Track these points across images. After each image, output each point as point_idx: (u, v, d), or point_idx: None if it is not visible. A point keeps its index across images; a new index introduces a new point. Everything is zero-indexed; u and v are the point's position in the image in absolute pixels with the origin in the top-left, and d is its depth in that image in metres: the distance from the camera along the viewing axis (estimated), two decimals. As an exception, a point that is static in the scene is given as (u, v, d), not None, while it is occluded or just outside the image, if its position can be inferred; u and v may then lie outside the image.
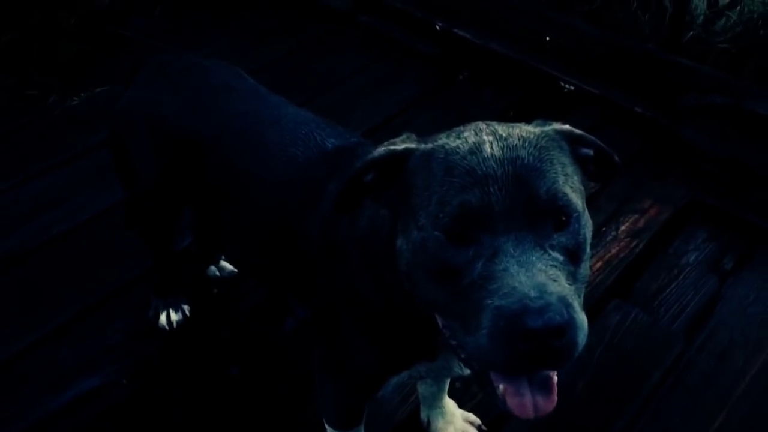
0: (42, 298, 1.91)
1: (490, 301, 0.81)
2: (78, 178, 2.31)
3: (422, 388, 1.54)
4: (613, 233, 2.11)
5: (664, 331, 1.83)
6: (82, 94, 2.69)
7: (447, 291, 0.87)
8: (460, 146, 0.89)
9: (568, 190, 0.87)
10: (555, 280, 0.81)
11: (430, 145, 0.93)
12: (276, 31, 3.14)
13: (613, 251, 2.05)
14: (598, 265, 2.01)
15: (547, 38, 2.72)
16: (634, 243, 2.07)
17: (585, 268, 0.91)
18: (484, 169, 0.85)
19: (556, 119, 2.67)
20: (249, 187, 1.33)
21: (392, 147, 0.95)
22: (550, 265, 0.83)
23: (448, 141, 0.92)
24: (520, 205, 0.84)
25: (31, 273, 1.99)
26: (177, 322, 1.84)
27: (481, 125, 0.93)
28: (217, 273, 1.98)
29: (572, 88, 2.66)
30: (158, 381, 1.73)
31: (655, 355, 1.77)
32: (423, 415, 1.59)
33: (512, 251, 0.82)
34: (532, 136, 0.90)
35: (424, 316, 0.97)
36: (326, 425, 1.36)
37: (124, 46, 2.94)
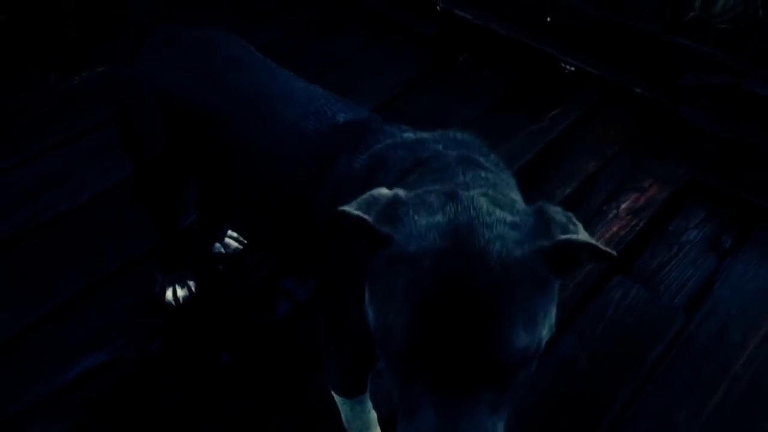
0: (46, 276, 1.91)
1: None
2: (79, 158, 2.31)
3: None
4: (614, 212, 2.13)
5: (665, 307, 1.86)
6: (83, 74, 2.69)
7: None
8: (426, 260, 0.80)
9: (524, 339, 0.79)
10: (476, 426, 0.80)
11: (401, 238, 0.84)
12: (276, 11, 3.13)
13: (615, 229, 2.07)
14: (600, 242, 2.02)
15: (548, 18, 2.72)
16: (635, 221, 2.10)
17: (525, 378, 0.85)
18: (442, 304, 0.78)
19: (557, 100, 2.70)
20: (259, 160, 1.33)
21: (373, 223, 0.86)
22: (476, 413, 0.80)
23: (419, 242, 0.82)
24: (466, 359, 0.79)
25: (34, 252, 1.99)
26: (183, 297, 1.85)
27: (465, 202, 0.85)
28: (222, 250, 1.99)
29: (572, 68, 2.68)
30: (165, 356, 1.74)
31: (656, 330, 1.80)
32: None
33: (433, 401, 0.80)
34: (511, 261, 0.80)
35: None
36: (333, 393, 1.37)
37: (124, 26, 2.93)
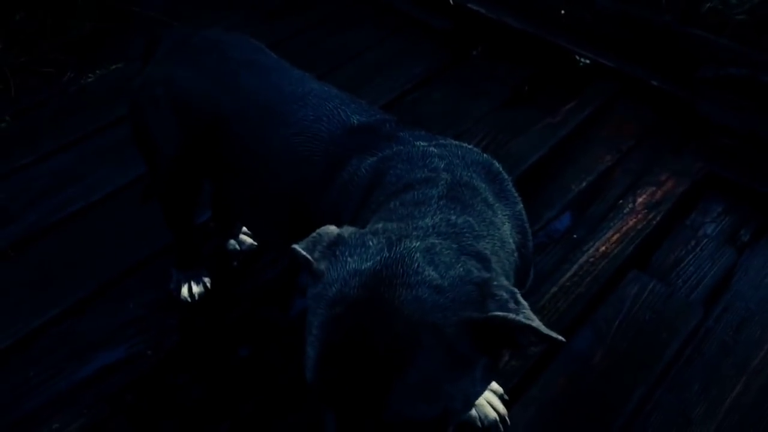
0: (62, 273, 1.92)
1: None
2: (94, 156, 2.32)
3: None
4: (630, 205, 2.11)
5: (682, 302, 1.84)
6: (97, 72, 2.70)
7: None
8: (339, 306, 0.83)
9: (420, 407, 0.81)
10: None
11: (329, 278, 0.87)
12: (290, 6, 3.13)
13: (631, 223, 2.05)
14: (616, 237, 2.01)
15: (562, 11, 2.70)
16: (652, 215, 2.08)
17: None
18: (345, 355, 0.81)
19: (572, 94, 2.67)
20: (271, 162, 1.33)
21: (310, 258, 0.90)
22: None
23: (340, 286, 0.84)
24: (363, 412, 0.82)
25: (50, 249, 2.00)
26: (199, 294, 1.86)
27: (398, 255, 0.85)
28: (237, 246, 1.99)
29: (588, 61, 2.65)
30: (181, 352, 1.75)
31: (673, 326, 1.78)
32: None
33: None
34: (422, 327, 0.80)
35: None
36: None
37: (137, 24, 2.94)
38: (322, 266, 0.88)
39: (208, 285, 1.89)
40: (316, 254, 0.90)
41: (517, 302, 0.83)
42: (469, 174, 1.08)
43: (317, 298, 0.87)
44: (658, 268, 1.94)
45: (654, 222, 2.06)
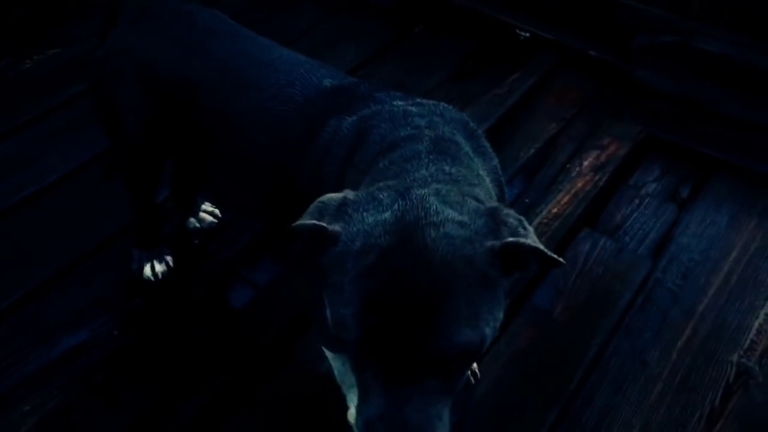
0: (22, 257, 1.89)
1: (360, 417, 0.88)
2: (43, 140, 2.27)
3: None
4: (577, 169, 2.21)
5: (632, 255, 1.94)
6: (35, 57, 2.63)
7: None
8: (371, 255, 0.84)
9: (467, 334, 0.84)
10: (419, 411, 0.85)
11: (348, 236, 0.88)
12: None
13: (579, 185, 2.14)
14: (566, 198, 2.10)
15: (501, -14, 2.78)
16: (598, 177, 2.17)
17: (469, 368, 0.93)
18: (387, 298, 0.82)
19: (515, 66, 2.73)
20: (244, 127, 1.34)
21: (322, 224, 0.90)
22: (420, 400, 0.85)
23: (365, 238, 0.86)
24: (411, 351, 0.83)
25: (8, 233, 1.96)
26: (162, 273, 1.85)
27: (414, 201, 0.88)
28: (197, 225, 1.99)
29: (528, 35, 2.74)
30: (147, 331, 1.74)
31: (625, 278, 1.88)
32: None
33: (381, 389, 0.86)
34: (456, 259, 0.84)
35: None
36: (323, 348, 1.41)
37: (74, 9, 2.87)
38: (337, 227, 0.89)
39: (171, 264, 1.89)
40: (326, 219, 0.90)
41: (525, 228, 0.89)
42: (450, 130, 1.12)
43: (340, 257, 0.87)
44: (606, 226, 2.04)
45: (600, 183, 2.15)
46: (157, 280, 1.85)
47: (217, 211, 2.02)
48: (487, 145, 1.20)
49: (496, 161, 1.19)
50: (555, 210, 2.07)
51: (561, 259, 0.88)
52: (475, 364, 1.63)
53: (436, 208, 0.87)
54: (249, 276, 1.89)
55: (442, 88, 2.55)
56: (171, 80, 1.40)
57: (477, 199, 0.93)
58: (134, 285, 1.84)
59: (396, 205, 0.88)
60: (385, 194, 0.90)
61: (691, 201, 2.13)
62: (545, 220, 2.03)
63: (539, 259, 0.88)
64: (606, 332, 1.75)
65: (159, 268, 1.86)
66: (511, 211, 0.92)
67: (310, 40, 2.83)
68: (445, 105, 1.22)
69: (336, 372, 1.45)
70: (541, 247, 0.87)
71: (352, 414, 1.50)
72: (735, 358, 1.69)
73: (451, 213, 0.87)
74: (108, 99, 1.51)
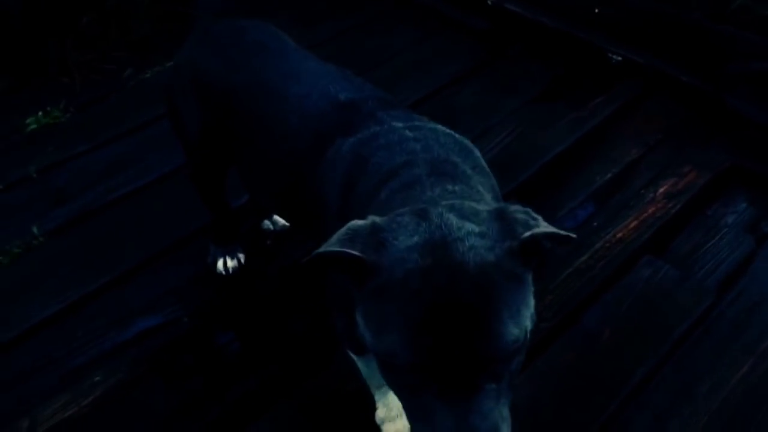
0: (112, 247, 2.11)
1: None
2: (146, 144, 2.52)
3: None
4: (651, 195, 2.16)
5: (695, 285, 1.88)
6: (155, 68, 2.91)
7: None
8: (413, 281, 0.87)
9: (514, 331, 0.87)
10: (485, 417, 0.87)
11: (388, 264, 0.90)
12: (336, 8, 3.28)
13: (650, 211, 2.10)
14: (634, 224, 2.06)
15: (596, 10, 2.76)
16: (671, 204, 2.12)
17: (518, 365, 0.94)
18: (437, 319, 0.85)
19: (603, 90, 2.71)
20: (270, 135, 1.44)
21: (359, 254, 0.91)
22: (483, 406, 0.87)
23: (402, 260, 0.89)
24: (467, 361, 0.86)
25: (103, 225, 2.20)
26: (233, 268, 2.01)
27: (436, 220, 0.92)
28: (271, 227, 2.13)
29: (619, 59, 2.70)
30: (214, 320, 1.90)
31: (684, 308, 1.82)
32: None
33: (445, 406, 0.88)
34: (487, 267, 0.88)
35: None
36: (347, 351, 1.47)
37: (191, 24, 3.13)
38: (373, 257, 0.92)
39: (242, 260, 2.04)
40: (358, 247, 0.92)
41: (534, 218, 0.95)
42: (445, 151, 1.16)
43: (381, 287, 0.91)
44: (676, 255, 1.98)
45: (672, 211, 2.10)
46: (228, 275, 2.00)
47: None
48: (484, 164, 1.23)
49: (494, 180, 1.22)
50: (620, 234, 2.04)
51: (573, 234, 0.92)
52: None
53: (456, 223, 0.92)
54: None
55: (523, 110, 2.57)
56: (216, 90, 1.54)
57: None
58: (206, 278, 2.00)
59: (421, 228, 0.92)
60: (407, 218, 0.94)
61: (772, 235, 2.03)
62: (607, 244, 2.00)
63: (554, 240, 0.93)
64: (655, 361, 1.71)
65: (231, 263, 2.01)
66: (516, 206, 0.97)
67: (404, 59, 2.93)
68: (443, 128, 1.25)
69: (363, 374, 1.51)
70: (552, 229, 0.92)
71: (380, 417, 1.57)
72: (791, 400, 1.61)
73: (470, 226, 0.92)
74: (175, 109, 1.68)
